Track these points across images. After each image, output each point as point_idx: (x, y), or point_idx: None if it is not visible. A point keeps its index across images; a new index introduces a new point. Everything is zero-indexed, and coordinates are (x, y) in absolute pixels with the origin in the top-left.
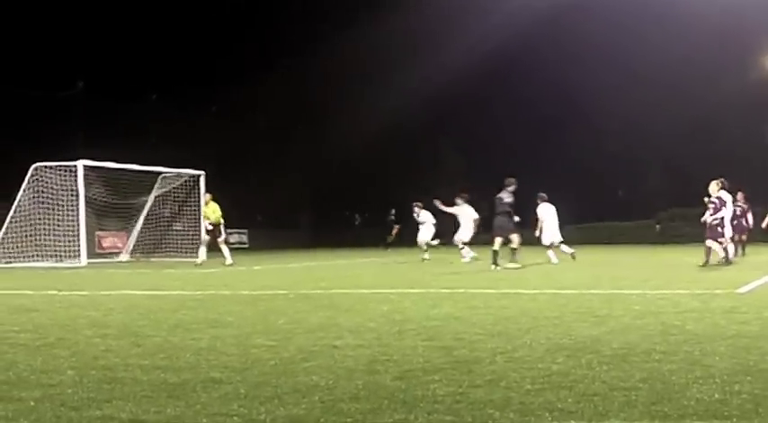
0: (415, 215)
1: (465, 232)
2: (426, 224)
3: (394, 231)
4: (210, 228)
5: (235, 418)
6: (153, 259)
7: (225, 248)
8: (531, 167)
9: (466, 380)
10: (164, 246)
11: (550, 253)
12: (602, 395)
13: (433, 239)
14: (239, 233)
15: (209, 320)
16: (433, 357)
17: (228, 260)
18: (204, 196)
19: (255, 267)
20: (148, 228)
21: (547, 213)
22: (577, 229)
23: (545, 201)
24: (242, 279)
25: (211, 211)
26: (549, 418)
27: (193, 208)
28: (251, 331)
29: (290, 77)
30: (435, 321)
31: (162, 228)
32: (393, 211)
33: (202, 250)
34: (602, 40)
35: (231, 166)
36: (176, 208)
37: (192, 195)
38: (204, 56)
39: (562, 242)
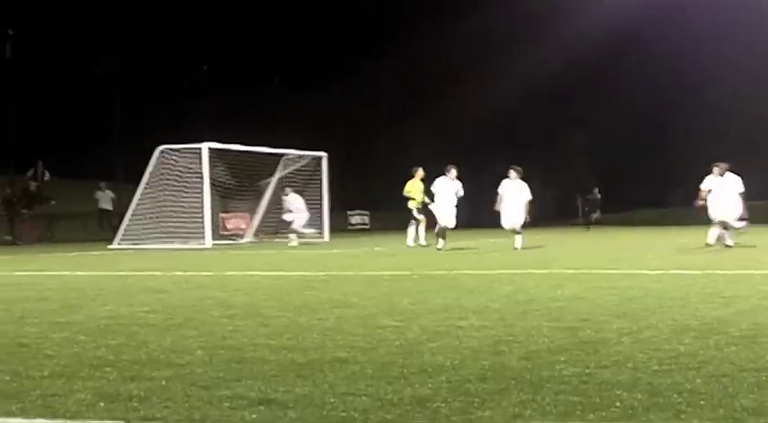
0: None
1: (299, 220)
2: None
3: (595, 215)
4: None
5: (363, 397)
6: (276, 240)
7: (411, 230)
8: (654, 147)
9: (592, 360)
10: (287, 228)
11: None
12: (731, 376)
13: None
14: (361, 214)
15: (333, 301)
16: (558, 338)
17: (409, 241)
18: (418, 171)
19: (377, 248)
20: (272, 210)
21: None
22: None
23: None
24: (364, 260)
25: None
26: (678, 399)
27: (315, 190)
28: (376, 312)
29: (411, 59)
30: (560, 302)
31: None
32: (597, 189)
33: (420, 230)
34: (724, 16)
35: (353, 148)
36: (300, 190)
37: (315, 177)
38: (327, 39)
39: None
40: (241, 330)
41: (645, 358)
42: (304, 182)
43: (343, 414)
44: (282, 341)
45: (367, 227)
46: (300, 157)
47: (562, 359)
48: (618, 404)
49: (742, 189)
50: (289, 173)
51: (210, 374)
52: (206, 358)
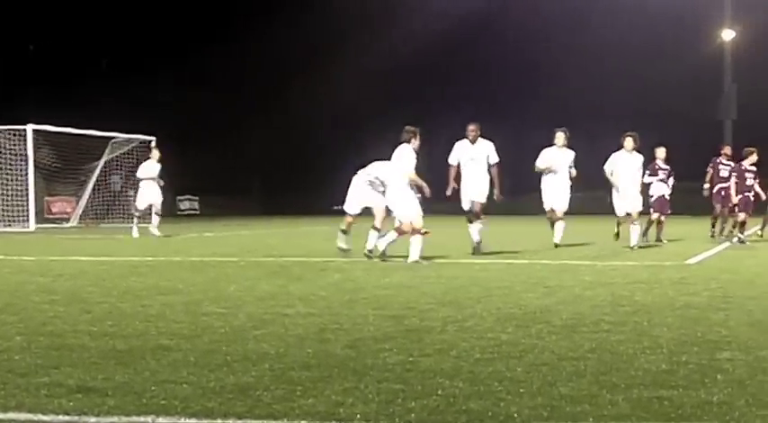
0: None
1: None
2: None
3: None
4: None
5: (184, 385)
6: (102, 225)
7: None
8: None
9: (416, 349)
10: (114, 212)
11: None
12: (550, 365)
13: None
14: (191, 200)
15: (159, 287)
16: (383, 326)
17: None
18: None
19: (206, 234)
20: (98, 193)
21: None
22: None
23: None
24: (193, 246)
25: None
26: (499, 388)
27: None
28: (201, 298)
29: (243, 44)
30: (386, 290)
31: (112, 193)
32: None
33: None
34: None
35: (183, 132)
36: (127, 174)
37: (144, 161)
38: (158, 22)
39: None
40: (62, 317)
41: (468, 347)
42: (132, 166)
43: (164, 402)
44: (104, 328)
45: (197, 212)
46: (129, 140)
47: (386, 347)
48: (440, 392)
49: (496, 159)
50: (117, 156)
51: (28, 361)
52: (24, 344)
